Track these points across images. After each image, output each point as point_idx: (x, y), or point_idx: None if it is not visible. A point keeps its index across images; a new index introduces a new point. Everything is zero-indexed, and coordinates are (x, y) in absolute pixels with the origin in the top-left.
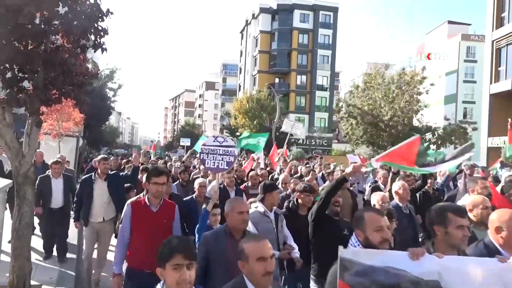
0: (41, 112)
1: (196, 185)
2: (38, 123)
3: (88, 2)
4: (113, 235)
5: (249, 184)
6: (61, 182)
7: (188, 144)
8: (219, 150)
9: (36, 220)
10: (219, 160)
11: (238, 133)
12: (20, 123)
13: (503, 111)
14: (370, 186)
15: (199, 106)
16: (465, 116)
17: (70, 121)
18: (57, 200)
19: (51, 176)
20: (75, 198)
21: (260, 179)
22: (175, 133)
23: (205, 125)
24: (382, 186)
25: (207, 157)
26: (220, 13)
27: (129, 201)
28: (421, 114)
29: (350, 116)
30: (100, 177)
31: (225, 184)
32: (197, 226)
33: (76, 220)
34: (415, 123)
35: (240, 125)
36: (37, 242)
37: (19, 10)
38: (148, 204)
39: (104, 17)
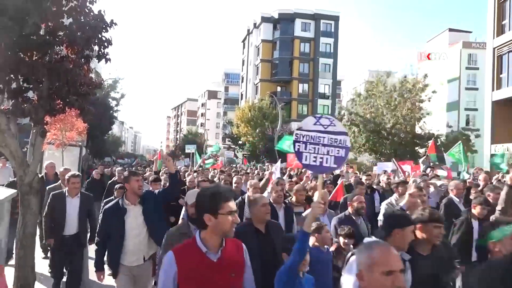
0: (45, 122)
1: (256, 204)
2: (43, 133)
3: (92, 13)
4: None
5: (293, 199)
6: (78, 202)
7: (194, 151)
8: (323, 138)
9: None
10: (323, 154)
11: (240, 142)
12: (23, 133)
13: (505, 118)
14: (442, 201)
15: (202, 115)
16: (467, 123)
17: (74, 131)
18: (71, 225)
19: (66, 194)
20: (96, 238)
21: (310, 193)
22: (178, 142)
23: (208, 134)
24: (456, 200)
25: (305, 149)
26: (221, 22)
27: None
28: (424, 122)
29: (352, 124)
30: (131, 202)
31: (271, 200)
32: (281, 272)
33: (100, 270)
34: (418, 130)
35: (242, 134)
36: (37, 252)
37: (23, 21)
38: (203, 249)
39: (108, 28)
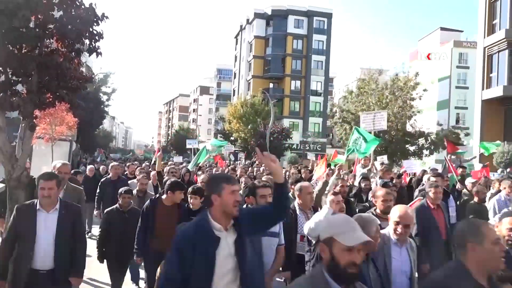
0: (34, 116)
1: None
2: (32, 127)
3: (83, 6)
4: None
5: (378, 210)
6: (55, 219)
7: (196, 145)
8: None
9: None
10: None
11: (232, 138)
12: (12, 127)
13: (495, 117)
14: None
15: (194, 110)
16: (457, 121)
17: (64, 125)
18: (44, 256)
19: (37, 206)
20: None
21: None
22: (169, 137)
23: (199, 130)
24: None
25: None
26: (214, 18)
27: None
28: (414, 120)
29: (344, 121)
30: (223, 226)
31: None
32: None
33: None
34: (408, 128)
35: (234, 130)
36: None
37: (13, 14)
38: None
39: (99, 21)
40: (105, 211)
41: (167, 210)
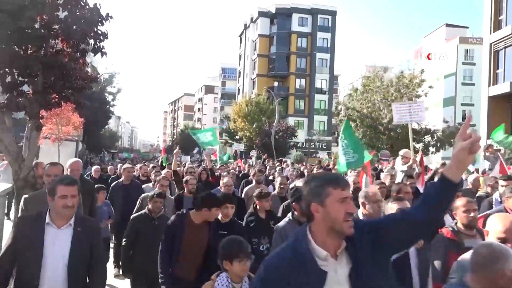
0: (40, 116)
1: None
2: (38, 127)
3: (87, 6)
4: None
5: (459, 224)
6: (69, 237)
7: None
8: None
9: None
10: None
11: (237, 137)
12: (19, 128)
13: (501, 114)
14: None
15: (198, 110)
16: (464, 118)
17: (70, 125)
18: (52, 284)
19: (47, 219)
20: None
21: None
22: (175, 137)
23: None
24: None
25: None
26: (219, 17)
27: None
28: None
29: (349, 119)
30: (331, 253)
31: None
32: None
33: None
34: (414, 125)
35: (239, 129)
36: None
37: (19, 15)
38: None
39: (104, 21)
40: (131, 217)
41: (195, 229)
